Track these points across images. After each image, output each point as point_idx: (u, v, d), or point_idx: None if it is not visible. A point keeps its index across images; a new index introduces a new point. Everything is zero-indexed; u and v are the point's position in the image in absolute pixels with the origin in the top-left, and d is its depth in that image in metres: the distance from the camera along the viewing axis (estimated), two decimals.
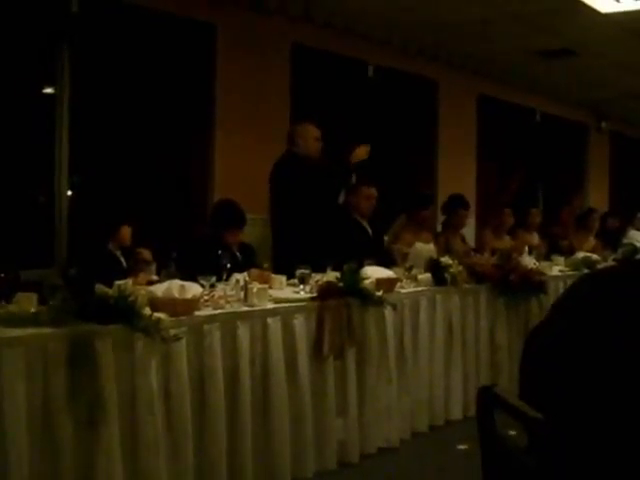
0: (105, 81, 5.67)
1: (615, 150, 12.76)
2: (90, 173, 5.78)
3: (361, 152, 5.74)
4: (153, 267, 4.68)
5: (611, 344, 1.36)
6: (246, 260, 4.97)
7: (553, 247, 8.02)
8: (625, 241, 9.12)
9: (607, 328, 1.39)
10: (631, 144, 13.17)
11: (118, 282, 3.38)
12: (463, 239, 7.11)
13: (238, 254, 5.00)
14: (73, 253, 5.33)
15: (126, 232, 4.92)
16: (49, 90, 5.62)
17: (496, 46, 8.07)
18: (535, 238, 8.05)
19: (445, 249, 6.43)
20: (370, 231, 6.18)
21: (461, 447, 4.61)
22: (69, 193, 5.64)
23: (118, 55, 5.72)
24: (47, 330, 3.10)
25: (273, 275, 4.76)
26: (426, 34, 7.63)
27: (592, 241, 8.64)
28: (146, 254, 4.93)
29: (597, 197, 12.05)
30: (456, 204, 7.00)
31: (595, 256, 7.36)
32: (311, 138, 5.73)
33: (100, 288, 3.29)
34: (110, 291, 3.30)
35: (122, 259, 4.88)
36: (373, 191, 6.18)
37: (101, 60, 5.64)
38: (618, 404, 1.33)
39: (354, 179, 7.30)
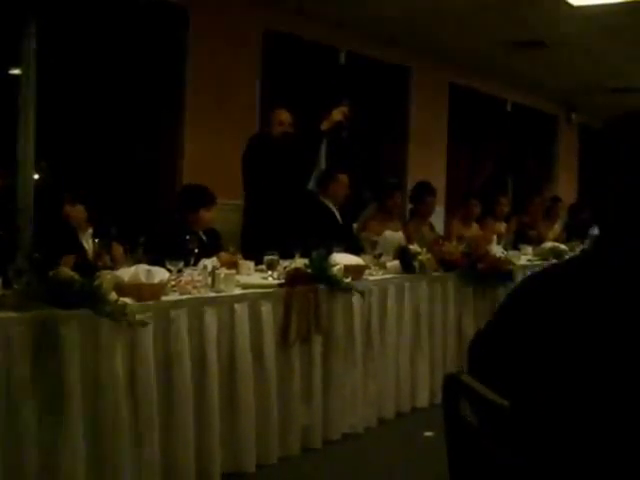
0: (73, 63, 5.59)
1: (584, 141, 12.87)
2: (57, 156, 5.70)
3: (335, 115, 5.68)
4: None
5: (567, 335, 1.37)
6: (212, 245, 4.94)
7: (521, 236, 8.08)
8: (592, 232, 9.21)
9: (562, 318, 1.40)
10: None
11: None
12: (432, 227, 7.13)
13: (205, 238, 4.97)
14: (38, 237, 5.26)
15: (77, 212, 4.81)
16: (15, 71, 5.53)
17: (468, 36, 8.08)
18: (504, 227, 8.12)
19: (413, 237, 6.45)
20: (340, 218, 6.19)
21: (427, 434, 4.63)
22: (35, 177, 5.57)
23: (87, 37, 5.64)
24: (11, 314, 3.06)
25: (241, 261, 4.74)
26: (398, 22, 7.61)
27: (557, 229, 8.74)
28: (117, 251, 4.78)
29: (565, 188, 12.15)
30: (423, 192, 7.02)
31: (563, 246, 7.44)
32: (275, 122, 5.73)
33: (65, 272, 3.25)
34: (76, 275, 3.26)
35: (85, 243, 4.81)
36: (345, 178, 6.19)
37: (69, 41, 5.56)
38: (575, 393, 1.34)
39: (325, 165, 7.32)
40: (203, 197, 4.98)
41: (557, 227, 8.85)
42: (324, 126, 5.66)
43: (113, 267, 4.38)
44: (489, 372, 1.51)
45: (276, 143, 5.63)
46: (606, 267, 1.41)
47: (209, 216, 4.98)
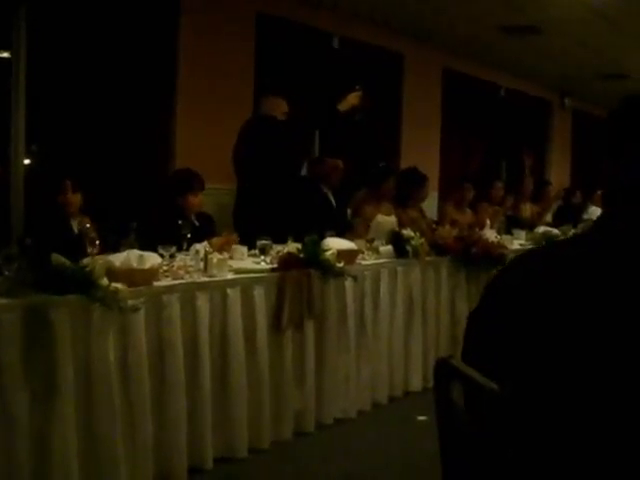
0: (63, 46, 5.53)
1: (577, 127, 12.87)
2: (48, 141, 5.65)
3: (352, 98, 5.68)
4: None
5: (560, 316, 1.36)
6: (205, 229, 4.92)
7: (514, 221, 8.10)
8: (585, 217, 9.25)
9: (555, 299, 1.38)
10: (593, 121, 13.28)
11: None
12: (422, 212, 7.12)
13: (197, 223, 4.95)
14: (29, 223, 5.22)
15: (76, 200, 4.73)
16: (5, 54, 5.47)
17: (462, 21, 8.04)
18: (497, 211, 8.13)
19: (406, 222, 6.43)
20: (335, 203, 6.19)
21: (420, 418, 4.64)
22: (26, 162, 5.53)
23: (77, 20, 5.58)
24: (2, 300, 3.05)
25: (234, 245, 4.73)
26: (392, 6, 7.58)
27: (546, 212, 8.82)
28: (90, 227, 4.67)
29: (559, 173, 12.17)
30: (419, 178, 6.99)
31: (555, 230, 7.46)
32: (279, 112, 5.69)
33: (57, 258, 3.23)
34: (67, 261, 3.25)
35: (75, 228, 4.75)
36: (339, 162, 6.20)
37: (59, 24, 5.49)
38: (567, 377, 1.33)
39: (318, 151, 7.30)
40: (189, 182, 4.96)
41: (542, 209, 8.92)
42: (341, 107, 5.66)
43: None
44: (486, 355, 1.50)
45: (282, 126, 5.60)
46: (614, 244, 1.38)
47: (196, 201, 4.96)
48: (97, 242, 3.90)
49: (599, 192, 10.34)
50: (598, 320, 1.31)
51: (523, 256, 1.56)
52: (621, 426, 1.26)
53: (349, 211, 6.62)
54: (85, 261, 3.35)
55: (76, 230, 4.60)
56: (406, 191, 6.97)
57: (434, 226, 6.21)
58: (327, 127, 6.12)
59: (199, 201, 4.98)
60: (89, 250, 3.81)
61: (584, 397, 1.29)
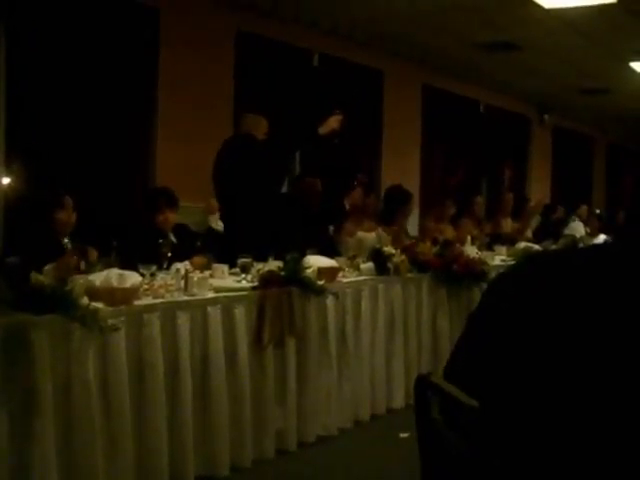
0: (43, 66, 5.52)
1: (557, 143, 12.98)
2: (27, 158, 5.62)
3: (332, 122, 5.68)
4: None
5: (546, 329, 1.36)
6: (184, 245, 4.88)
7: (495, 236, 8.14)
8: (566, 232, 9.30)
9: (540, 313, 1.39)
10: (572, 137, 13.40)
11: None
12: (406, 232, 7.13)
13: (173, 239, 4.91)
14: (11, 240, 5.19)
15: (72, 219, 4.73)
16: None
17: (442, 38, 8.11)
18: (480, 231, 8.16)
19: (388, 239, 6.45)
20: (315, 220, 6.19)
21: (403, 435, 4.62)
22: (6, 180, 5.51)
23: (58, 35, 5.57)
24: None
25: (215, 264, 4.71)
26: (372, 24, 7.63)
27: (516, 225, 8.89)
28: (92, 254, 4.69)
29: (539, 188, 12.25)
30: (402, 196, 7.01)
31: (536, 246, 7.48)
32: (261, 132, 5.69)
33: (36, 277, 3.21)
34: (46, 280, 3.23)
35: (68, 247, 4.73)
36: (317, 182, 6.22)
37: (40, 39, 5.49)
38: (551, 392, 1.33)
39: (299, 169, 7.31)
40: (159, 200, 4.92)
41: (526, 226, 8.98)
42: (321, 131, 5.65)
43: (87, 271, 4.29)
44: (474, 364, 1.50)
45: (262, 146, 5.59)
46: (615, 261, 1.38)
47: (167, 218, 4.92)
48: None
49: (584, 207, 10.49)
50: (594, 334, 1.31)
51: (525, 261, 1.55)
52: (614, 440, 1.27)
53: (331, 228, 6.59)
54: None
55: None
56: (391, 209, 6.98)
57: (413, 241, 6.22)
58: (307, 149, 6.15)
59: (169, 218, 4.93)
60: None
61: (573, 411, 1.29)
